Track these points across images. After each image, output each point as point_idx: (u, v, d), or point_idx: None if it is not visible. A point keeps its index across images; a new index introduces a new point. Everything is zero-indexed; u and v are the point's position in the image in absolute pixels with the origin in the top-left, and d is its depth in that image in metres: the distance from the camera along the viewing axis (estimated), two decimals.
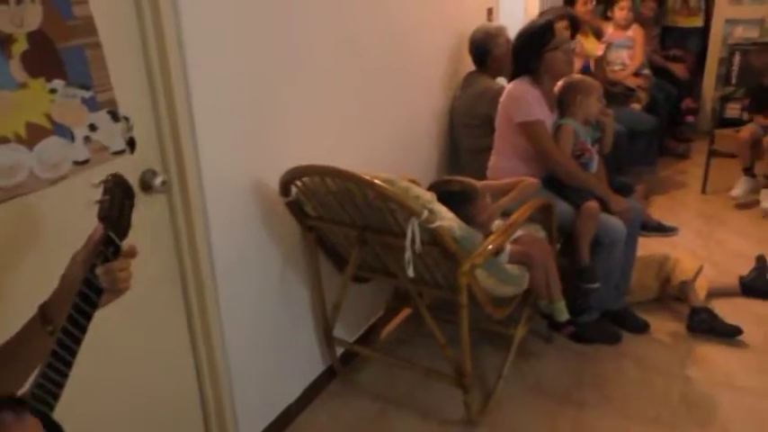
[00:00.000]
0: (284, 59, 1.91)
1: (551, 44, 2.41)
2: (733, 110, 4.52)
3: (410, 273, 1.77)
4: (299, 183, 1.90)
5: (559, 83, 2.56)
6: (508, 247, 2.18)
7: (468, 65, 3.06)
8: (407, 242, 1.71)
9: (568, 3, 4.19)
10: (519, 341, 2.36)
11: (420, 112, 2.85)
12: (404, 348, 2.57)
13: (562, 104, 2.56)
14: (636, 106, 4.15)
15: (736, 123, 4.17)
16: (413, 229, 1.70)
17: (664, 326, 2.69)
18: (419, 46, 2.75)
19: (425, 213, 1.69)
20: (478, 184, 2.19)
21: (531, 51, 2.46)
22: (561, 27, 2.46)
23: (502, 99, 2.52)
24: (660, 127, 4.21)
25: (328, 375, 2.37)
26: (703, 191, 4.11)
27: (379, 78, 2.45)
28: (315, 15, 2.02)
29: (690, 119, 4.87)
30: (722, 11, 4.97)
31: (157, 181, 1.56)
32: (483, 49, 2.92)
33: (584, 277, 2.45)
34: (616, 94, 4.11)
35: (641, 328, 2.66)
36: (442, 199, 1.93)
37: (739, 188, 3.95)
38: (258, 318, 2.01)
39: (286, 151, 1.96)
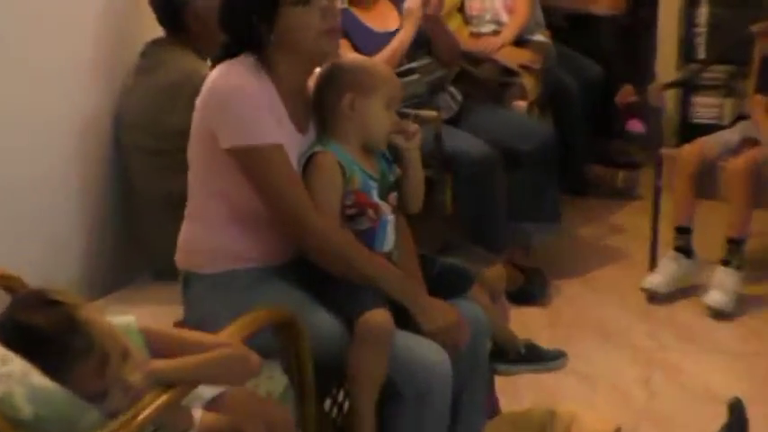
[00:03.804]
0: None
1: None
2: (705, 108, 3.31)
3: None
4: None
5: (317, 71, 1.68)
6: (197, 415, 1.34)
7: (149, 29, 2.05)
8: None
9: None
10: None
11: (33, 129, 1.77)
12: None
13: (321, 114, 1.69)
14: (520, 104, 2.92)
15: (712, 130, 2.86)
16: None
17: None
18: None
19: None
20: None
21: (251, 8, 1.62)
22: None
23: (198, 102, 1.66)
24: (571, 144, 3.01)
25: None
26: (652, 266, 2.67)
27: None
28: None
29: (634, 126, 3.58)
30: None
31: None
32: None
33: None
34: (483, 82, 2.90)
35: None
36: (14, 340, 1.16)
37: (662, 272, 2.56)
38: None
39: None
